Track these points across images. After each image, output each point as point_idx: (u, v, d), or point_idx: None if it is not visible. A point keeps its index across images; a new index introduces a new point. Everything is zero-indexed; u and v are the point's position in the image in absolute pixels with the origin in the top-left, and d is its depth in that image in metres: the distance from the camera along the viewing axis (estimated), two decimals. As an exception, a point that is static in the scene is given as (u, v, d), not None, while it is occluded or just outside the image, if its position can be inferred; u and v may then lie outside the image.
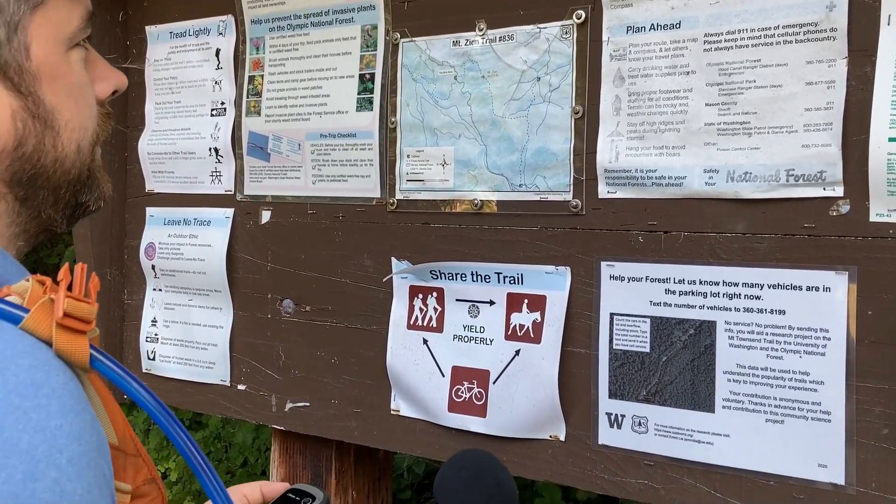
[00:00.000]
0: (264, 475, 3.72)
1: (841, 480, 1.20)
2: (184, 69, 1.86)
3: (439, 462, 1.33)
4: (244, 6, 1.75)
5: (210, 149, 1.82)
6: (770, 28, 1.23)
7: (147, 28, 1.91)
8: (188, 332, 1.88)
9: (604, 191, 1.38)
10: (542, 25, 1.43)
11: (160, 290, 1.92)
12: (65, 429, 0.62)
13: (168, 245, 1.89)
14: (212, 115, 1.82)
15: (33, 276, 0.70)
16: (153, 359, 1.93)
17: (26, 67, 0.74)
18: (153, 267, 1.91)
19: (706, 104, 1.28)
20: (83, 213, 0.85)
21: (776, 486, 1.24)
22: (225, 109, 1.80)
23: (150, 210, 1.93)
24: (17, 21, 0.73)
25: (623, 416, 1.37)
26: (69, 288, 0.69)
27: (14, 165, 0.76)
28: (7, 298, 0.67)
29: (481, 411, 1.50)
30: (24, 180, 0.77)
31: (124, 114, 1.95)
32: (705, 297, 1.29)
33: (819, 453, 1.21)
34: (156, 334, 1.93)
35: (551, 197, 1.43)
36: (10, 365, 0.62)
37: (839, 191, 1.19)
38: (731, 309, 1.27)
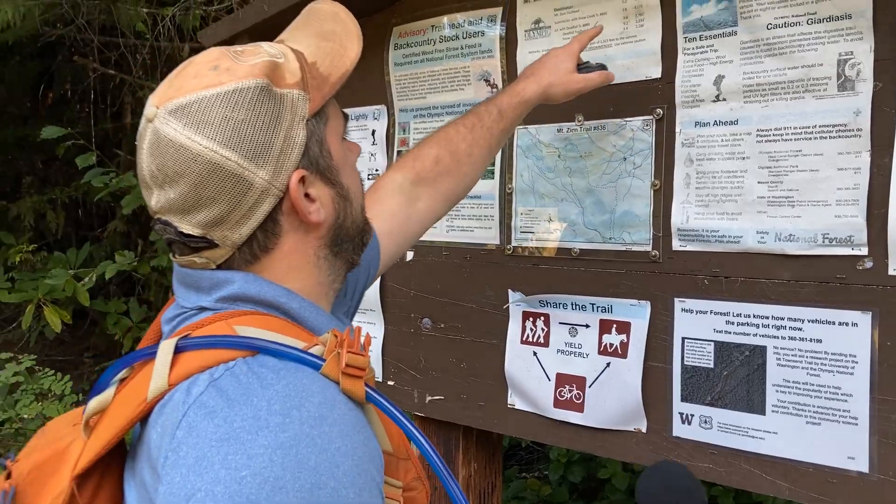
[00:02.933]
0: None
1: (865, 469, 1.30)
2: (345, 144, 2.03)
3: (541, 444, 1.44)
4: (394, 99, 1.91)
5: (365, 204, 1.99)
6: (809, 127, 1.34)
7: (316, 112, 2.08)
8: (347, 341, 2.05)
9: (677, 245, 1.51)
10: (628, 119, 1.56)
11: (324, 308, 2.11)
12: (342, 449, 0.73)
13: (331, 275, 2.06)
14: (369, 178, 1.99)
15: (332, 331, 0.83)
16: (319, 360, 2.11)
17: (332, 165, 0.90)
18: (320, 291, 2.09)
19: (758, 182, 1.40)
20: (366, 244, 1.01)
21: (814, 472, 1.35)
22: (380, 174, 1.97)
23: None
24: (321, 136, 0.88)
25: (692, 415, 1.49)
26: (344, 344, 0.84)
27: (336, 234, 0.92)
28: (313, 349, 0.81)
29: (580, 408, 1.64)
30: (338, 241, 0.93)
31: (298, 176, 2.13)
32: (758, 327, 1.41)
33: (848, 448, 1.31)
34: (321, 342, 2.11)
35: (635, 248, 1.56)
36: (305, 402, 0.74)
37: (864, 251, 1.30)
38: (778, 337, 1.39)
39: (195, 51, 4.70)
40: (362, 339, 0.84)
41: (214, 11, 3.69)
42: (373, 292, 1.96)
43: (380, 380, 1.96)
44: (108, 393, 0.86)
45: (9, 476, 0.88)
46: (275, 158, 0.84)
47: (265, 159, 0.83)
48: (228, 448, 0.70)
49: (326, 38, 0.93)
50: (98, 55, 4.89)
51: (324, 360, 0.80)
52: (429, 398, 1.88)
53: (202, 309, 0.88)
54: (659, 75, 1.52)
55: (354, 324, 1.88)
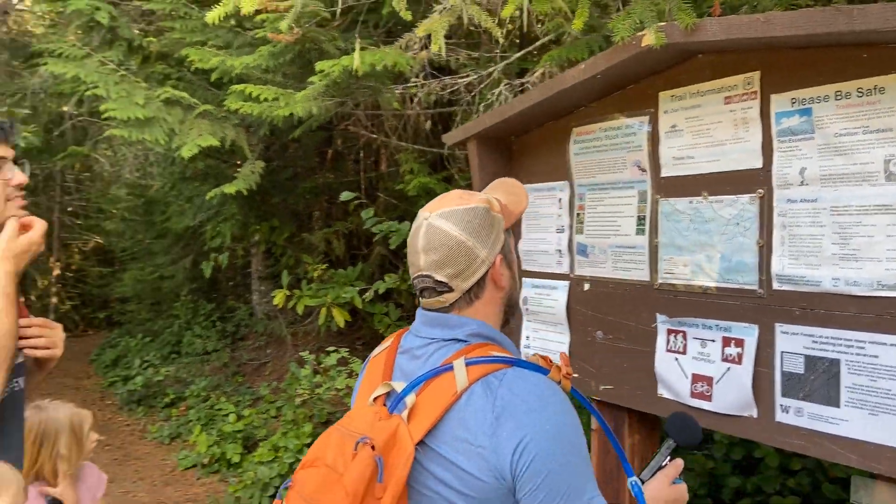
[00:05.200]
0: (587, 425, 4.29)
1: (914, 450, 1.59)
2: (541, 208, 2.55)
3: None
4: (574, 177, 2.41)
5: (556, 250, 2.50)
6: (866, 206, 1.64)
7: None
8: (546, 344, 2.57)
9: (776, 286, 1.84)
10: (739, 196, 1.92)
11: (530, 321, 2.64)
12: (575, 420, 1.20)
13: (535, 298, 2.60)
14: (556, 232, 2.50)
15: (537, 355, 1.31)
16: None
17: (512, 259, 1.36)
18: (527, 309, 2.63)
19: (832, 243, 1.72)
20: (514, 316, 1.42)
21: (874, 448, 1.63)
22: (564, 229, 2.47)
23: (524, 279, 2.63)
24: (509, 242, 1.35)
25: (789, 406, 1.83)
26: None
27: (509, 298, 1.37)
28: (538, 363, 1.28)
29: (709, 399, 2.02)
30: (510, 304, 1.39)
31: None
32: (834, 346, 1.72)
33: (901, 435, 1.61)
34: (528, 344, 2.65)
35: (746, 286, 1.92)
36: (556, 391, 1.21)
37: (909, 294, 1.59)
38: (849, 353, 1.69)
39: (427, 117, 5.48)
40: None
41: (449, 94, 4.39)
42: (560, 311, 2.46)
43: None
44: (412, 397, 1.22)
45: (373, 447, 1.16)
46: (490, 245, 1.30)
47: (486, 244, 1.29)
48: (540, 411, 1.16)
49: (511, 194, 1.42)
50: (365, 123, 5.85)
51: (547, 370, 1.27)
52: (602, 387, 2.35)
53: (457, 340, 1.29)
54: (760, 165, 1.87)
55: (526, 321, 2.32)
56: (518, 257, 1.43)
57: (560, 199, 2.47)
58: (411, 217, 6.49)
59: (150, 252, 10.43)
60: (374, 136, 5.88)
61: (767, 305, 1.87)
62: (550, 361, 1.30)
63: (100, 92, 4.29)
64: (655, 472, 1.40)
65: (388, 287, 4.39)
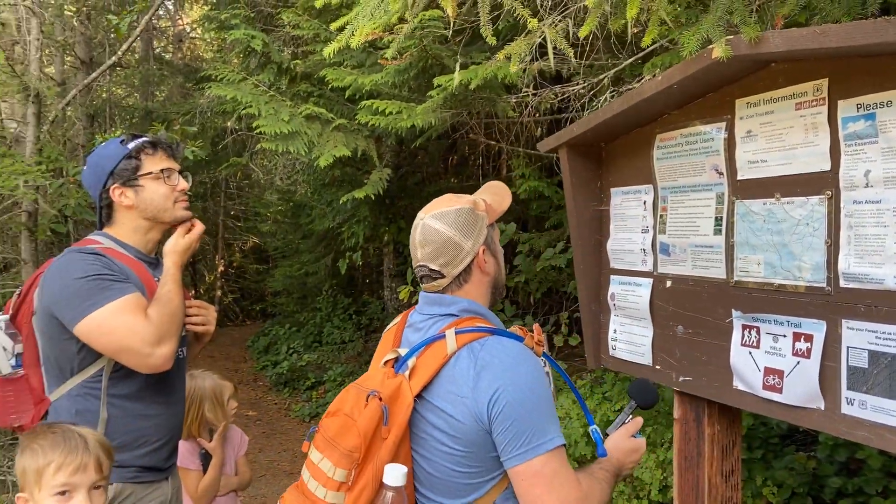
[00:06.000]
0: (670, 413, 4.31)
1: (974, 445, 1.59)
2: (627, 210, 2.67)
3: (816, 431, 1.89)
4: (657, 180, 2.52)
5: (641, 249, 2.61)
6: (929, 206, 1.67)
7: (611, 189, 2.75)
8: (631, 338, 2.69)
9: (843, 283, 1.88)
10: (809, 197, 1.97)
11: (617, 315, 2.76)
12: (542, 377, 1.43)
13: (621, 294, 2.72)
14: (641, 232, 2.61)
15: (517, 326, 1.53)
16: (615, 349, 2.77)
17: (496, 249, 1.61)
18: (614, 305, 2.76)
19: (894, 243, 1.74)
20: (501, 297, 1.67)
21: (934, 444, 1.66)
22: (648, 230, 2.58)
23: (612, 277, 2.78)
24: (491, 234, 1.60)
25: (854, 399, 1.86)
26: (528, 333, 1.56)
27: (494, 282, 1.62)
28: (516, 332, 1.52)
29: (779, 391, 2.07)
30: (495, 287, 1.62)
31: (599, 230, 2.83)
32: (897, 342, 1.75)
33: (961, 430, 1.61)
34: (615, 337, 2.77)
35: (815, 284, 1.97)
36: (529, 355, 1.45)
37: (969, 292, 1.59)
38: (911, 349, 1.72)
39: (537, 123, 5.62)
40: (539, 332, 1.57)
41: (559, 102, 4.55)
42: (644, 307, 2.57)
43: (650, 364, 2.56)
44: (413, 360, 1.48)
45: (380, 399, 1.39)
46: (474, 238, 1.56)
47: (470, 237, 1.56)
48: (512, 369, 1.42)
49: (495, 194, 1.67)
50: (483, 131, 6.12)
51: (522, 338, 1.51)
52: (681, 378, 2.44)
53: (451, 315, 1.55)
54: (829, 168, 1.91)
55: (613, 316, 2.47)
56: (500, 247, 1.70)
57: (645, 202, 2.59)
58: (525, 219, 6.69)
59: (298, 251, 11.38)
60: (493, 142, 6.13)
61: (835, 302, 1.91)
62: (526, 331, 1.53)
63: (252, 111, 4.88)
64: (619, 428, 1.67)
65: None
